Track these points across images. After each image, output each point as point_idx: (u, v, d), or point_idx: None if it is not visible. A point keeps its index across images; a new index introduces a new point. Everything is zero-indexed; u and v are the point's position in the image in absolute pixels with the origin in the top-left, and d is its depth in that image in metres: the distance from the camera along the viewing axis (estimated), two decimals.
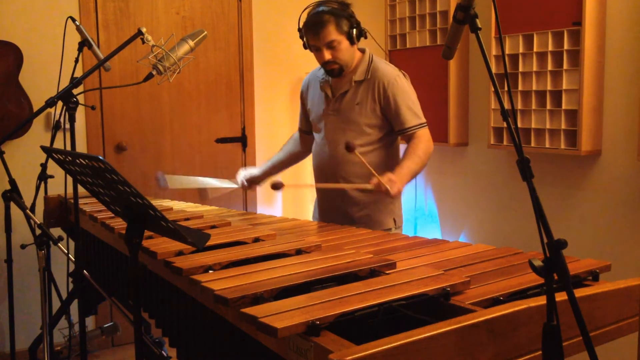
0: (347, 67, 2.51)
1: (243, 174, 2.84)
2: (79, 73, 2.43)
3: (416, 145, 2.46)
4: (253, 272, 1.58)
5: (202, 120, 4.08)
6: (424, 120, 2.53)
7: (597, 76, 2.77)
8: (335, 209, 2.63)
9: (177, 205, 2.91)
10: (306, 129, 2.84)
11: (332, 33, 2.42)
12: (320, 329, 1.19)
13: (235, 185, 2.84)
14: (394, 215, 2.63)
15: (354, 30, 2.45)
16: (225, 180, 2.87)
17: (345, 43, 2.45)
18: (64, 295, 3.01)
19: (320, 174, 2.69)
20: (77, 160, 1.46)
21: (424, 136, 2.49)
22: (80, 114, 3.69)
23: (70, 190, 2.34)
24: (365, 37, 2.51)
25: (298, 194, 4.38)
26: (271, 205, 4.36)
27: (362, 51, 2.57)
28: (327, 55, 2.46)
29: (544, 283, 1.11)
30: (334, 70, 2.51)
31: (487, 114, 3.25)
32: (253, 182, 2.86)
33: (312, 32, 2.45)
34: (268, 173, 2.88)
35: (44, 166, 2.62)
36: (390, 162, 2.54)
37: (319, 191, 2.74)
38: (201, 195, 2.92)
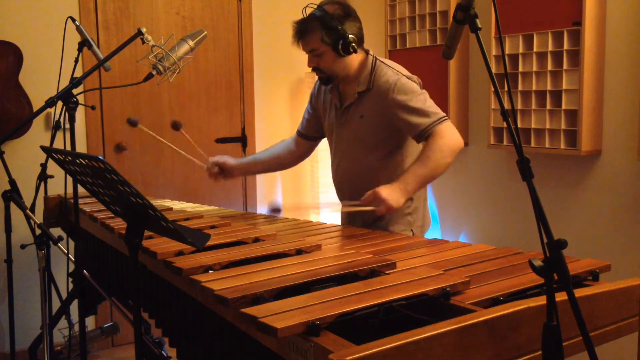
0: (337, 77, 2.33)
1: (216, 159, 2.62)
2: (79, 73, 2.42)
3: (429, 145, 2.19)
4: (253, 272, 1.58)
5: (202, 120, 4.08)
6: (439, 115, 2.23)
7: (597, 76, 2.77)
8: (354, 221, 2.45)
9: (177, 205, 2.91)
10: (306, 133, 2.64)
11: (314, 42, 2.26)
12: (320, 329, 1.19)
13: (201, 164, 2.64)
14: (412, 226, 2.40)
15: (341, 42, 2.24)
16: (193, 158, 2.67)
17: (330, 54, 2.27)
18: (64, 295, 3.01)
19: (338, 187, 2.52)
20: (77, 160, 1.46)
21: (441, 132, 2.19)
22: (80, 114, 3.69)
23: (70, 190, 2.34)
24: (355, 52, 2.28)
25: (298, 194, 4.38)
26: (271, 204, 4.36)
27: (367, 52, 2.37)
28: (312, 62, 2.32)
29: (544, 283, 1.11)
30: (322, 78, 2.37)
31: (487, 114, 3.25)
32: (224, 171, 2.62)
33: (296, 37, 2.31)
34: (244, 168, 2.68)
35: (44, 166, 2.62)
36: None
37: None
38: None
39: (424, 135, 2.22)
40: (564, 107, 2.83)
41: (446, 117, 2.25)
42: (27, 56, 3.45)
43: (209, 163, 2.63)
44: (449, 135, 2.21)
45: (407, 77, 2.30)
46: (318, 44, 2.26)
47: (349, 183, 2.43)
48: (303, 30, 2.27)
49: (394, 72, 2.30)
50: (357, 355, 1.04)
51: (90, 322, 3.72)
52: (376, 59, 2.35)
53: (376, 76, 2.30)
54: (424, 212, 2.47)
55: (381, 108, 2.28)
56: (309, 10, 2.30)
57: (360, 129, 2.34)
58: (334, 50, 2.26)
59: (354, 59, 2.33)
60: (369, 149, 2.34)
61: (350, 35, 2.25)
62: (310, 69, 2.37)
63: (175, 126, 2.39)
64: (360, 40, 2.32)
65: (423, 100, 2.25)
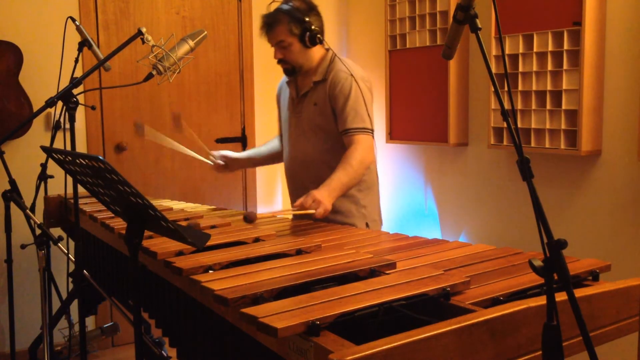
0: (302, 68, 2.48)
1: (219, 153, 2.81)
2: (79, 73, 2.42)
3: (351, 153, 2.33)
4: (253, 272, 1.58)
5: (202, 120, 4.08)
6: (369, 126, 2.40)
7: (597, 76, 2.78)
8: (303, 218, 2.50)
9: (177, 205, 2.91)
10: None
11: (282, 34, 2.41)
12: (320, 329, 1.19)
13: (207, 161, 2.80)
14: (366, 219, 2.51)
15: (307, 34, 2.40)
16: (200, 156, 2.81)
17: (296, 45, 2.43)
18: (64, 295, 3.01)
19: (290, 179, 2.63)
20: (77, 160, 1.46)
21: (364, 143, 2.36)
22: (80, 114, 3.69)
23: (70, 190, 2.34)
24: (321, 43, 2.45)
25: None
26: (271, 205, 4.36)
27: (328, 50, 2.52)
28: (278, 54, 2.47)
29: (544, 283, 1.11)
30: (286, 69, 2.51)
31: (487, 114, 3.25)
32: (228, 165, 2.81)
33: (264, 29, 2.46)
34: (245, 161, 2.84)
35: (44, 166, 2.62)
36: None
37: (290, 196, 2.66)
38: (139, 131, 2.77)
39: (347, 134, 2.39)
40: (564, 107, 2.83)
41: (371, 131, 2.42)
42: (27, 56, 3.45)
43: (215, 156, 2.77)
44: (370, 150, 2.39)
45: (360, 78, 2.44)
46: (286, 36, 2.42)
47: (304, 170, 2.53)
48: (272, 23, 2.42)
49: (348, 69, 2.45)
50: (357, 355, 1.04)
51: (90, 322, 3.72)
52: (335, 55, 2.51)
53: (331, 68, 2.47)
54: (376, 206, 2.60)
55: (330, 96, 2.43)
56: (274, 5, 2.45)
57: (315, 116, 2.48)
58: (301, 41, 2.43)
59: (317, 52, 2.49)
60: (318, 134, 2.48)
61: (314, 27, 2.41)
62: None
63: (177, 120, 2.48)
64: (322, 34, 2.47)
65: (361, 104, 2.40)
